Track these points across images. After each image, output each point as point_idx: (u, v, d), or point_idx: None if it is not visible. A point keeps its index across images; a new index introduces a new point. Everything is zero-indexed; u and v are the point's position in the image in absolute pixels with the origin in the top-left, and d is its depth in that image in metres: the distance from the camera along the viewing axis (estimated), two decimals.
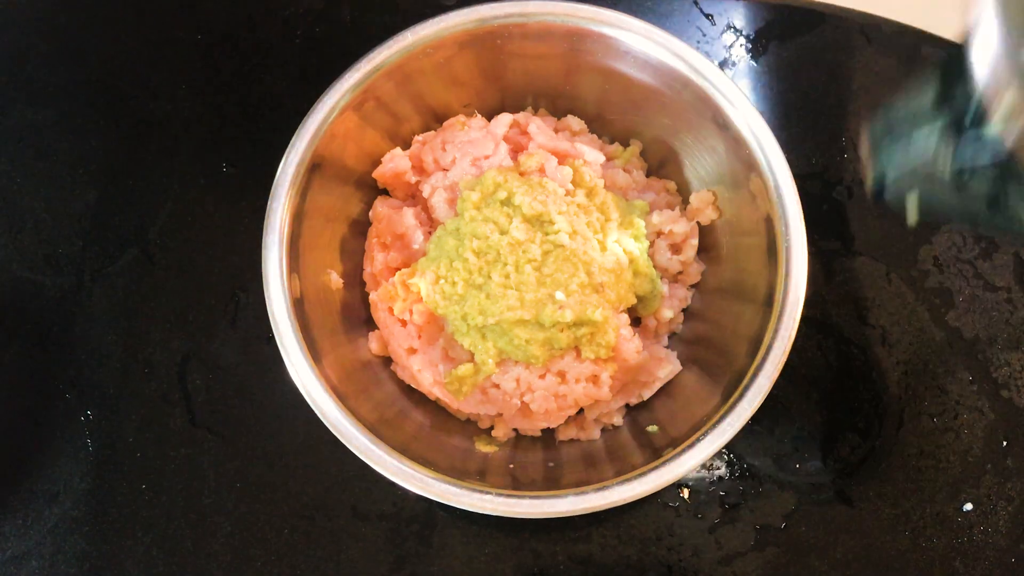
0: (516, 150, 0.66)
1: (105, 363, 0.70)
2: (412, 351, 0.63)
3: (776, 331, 0.55)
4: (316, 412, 0.55)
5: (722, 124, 0.59)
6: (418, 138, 0.67)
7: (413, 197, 0.68)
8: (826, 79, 0.75)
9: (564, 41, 0.62)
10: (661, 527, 0.67)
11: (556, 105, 0.69)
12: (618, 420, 0.65)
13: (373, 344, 0.65)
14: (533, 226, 0.60)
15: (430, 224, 0.65)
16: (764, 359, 0.55)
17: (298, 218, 0.59)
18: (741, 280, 0.62)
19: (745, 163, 0.59)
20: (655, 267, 0.64)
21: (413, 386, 0.64)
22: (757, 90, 0.75)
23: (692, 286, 0.67)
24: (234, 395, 0.69)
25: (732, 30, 0.77)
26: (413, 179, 0.66)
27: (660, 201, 0.67)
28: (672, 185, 0.68)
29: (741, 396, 0.54)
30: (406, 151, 0.66)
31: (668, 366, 0.63)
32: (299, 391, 0.55)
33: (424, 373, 0.62)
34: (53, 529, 0.67)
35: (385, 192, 0.68)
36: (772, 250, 0.57)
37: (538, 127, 0.65)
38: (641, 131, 0.68)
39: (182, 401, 0.69)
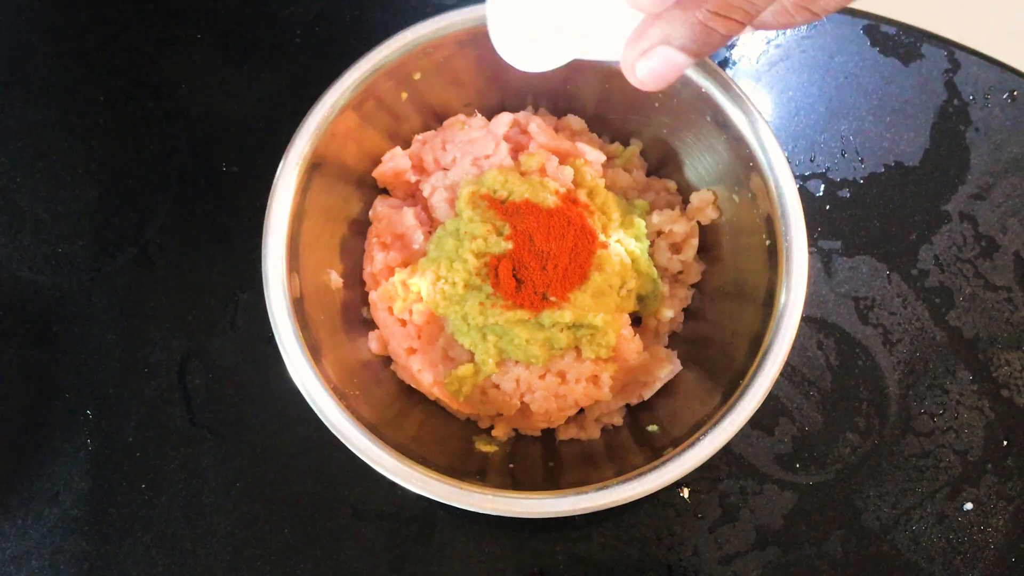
0: (516, 150, 0.66)
1: (105, 363, 0.70)
2: (412, 351, 0.63)
3: (776, 331, 0.55)
4: (316, 412, 0.55)
5: (722, 124, 0.59)
6: (418, 137, 0.67)
7: (413, 197, 0.67)
8: (826, 78, 0.75)
9: None
10: (661, 527, 0.67)
11: (556, 105, 0.69)
12: (618, 420, 0.65)
13: (373, 344, 0.65)
14: None
15: (430, 224, 0.65)
16: (764, 359, 0.55)
17: (298, 218, 0.58)
18: (741, 280, 0.61)
19: (745, 163, 0.59)
20: (655, 267, 0.64)
21: (413, 386, 0.64)
22: (757, 90, 0.75)
23: (692, 286, 0.67)
24: (234, 395, 0.69)
25: None
26: (413, 179, 0.66)
27: (660, 201, 0.67)
28: (672, 185, 0.68)
29: (741, 396, 0.54)
30: (406, 150, 0.66)
31: (668, 366, 0.63)
32: (299, 391, 0.55)
33: (424, 373, 0.62)
34: (53, 529, 0.67)
35: (385, 192, 0.68)
36: (772, 250, 0.57)
37: (538, 126, 0.65)
38: (641, 131, 0.68)
39: (182, 401, 0.69)
